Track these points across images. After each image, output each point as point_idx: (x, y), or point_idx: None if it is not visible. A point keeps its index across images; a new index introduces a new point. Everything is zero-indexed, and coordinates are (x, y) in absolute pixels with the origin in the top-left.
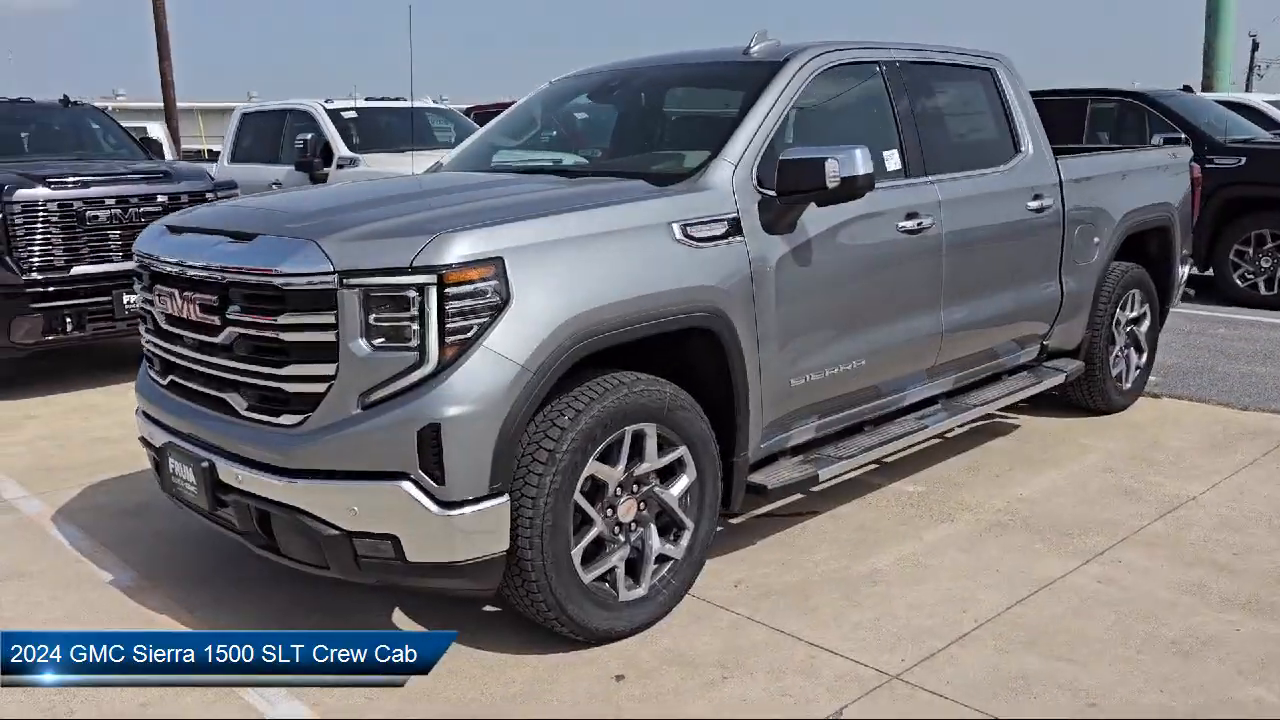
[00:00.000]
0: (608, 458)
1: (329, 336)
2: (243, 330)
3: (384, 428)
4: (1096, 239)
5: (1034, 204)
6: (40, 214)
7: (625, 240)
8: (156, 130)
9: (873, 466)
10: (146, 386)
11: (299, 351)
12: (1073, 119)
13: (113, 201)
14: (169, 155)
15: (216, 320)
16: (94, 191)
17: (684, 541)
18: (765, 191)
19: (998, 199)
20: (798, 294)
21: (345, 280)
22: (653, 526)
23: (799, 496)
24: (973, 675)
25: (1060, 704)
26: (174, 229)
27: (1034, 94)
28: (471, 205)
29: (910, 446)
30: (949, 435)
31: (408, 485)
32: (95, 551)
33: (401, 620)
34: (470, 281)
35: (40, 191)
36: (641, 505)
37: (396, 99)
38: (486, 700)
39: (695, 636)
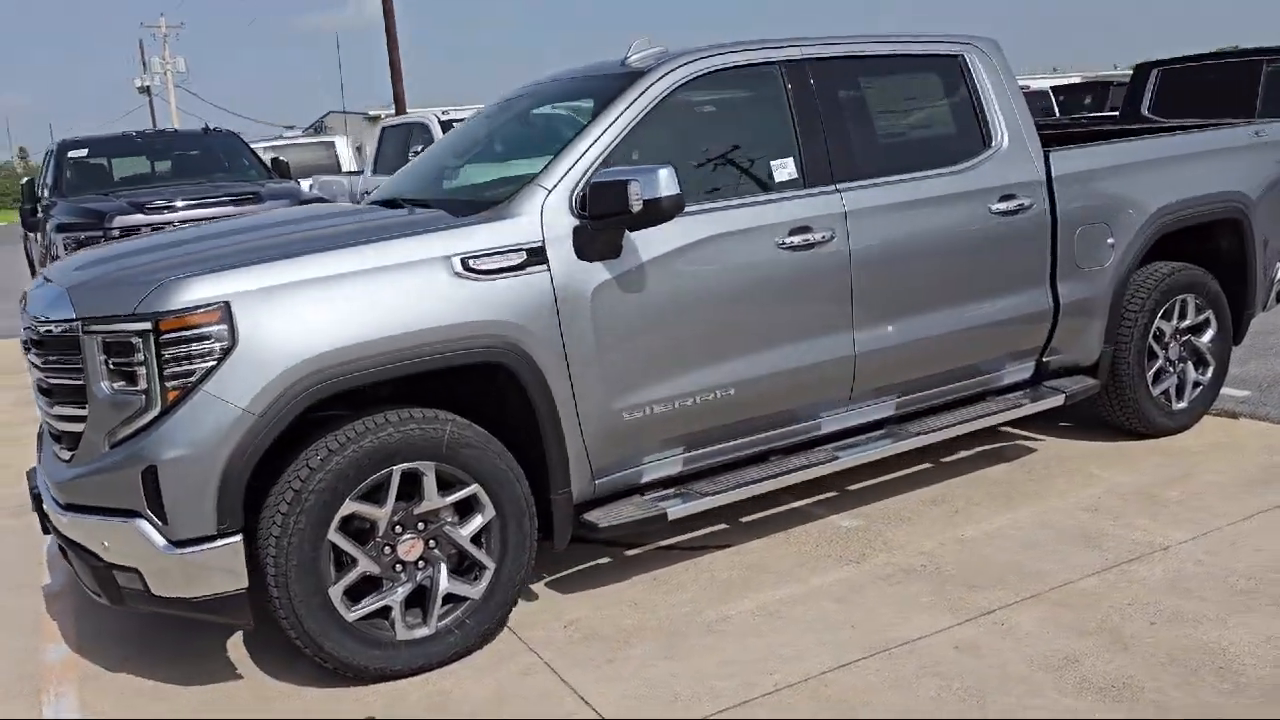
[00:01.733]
0: (376, 497)
1: (80, 380)
2: (38, 371)
3: (118, 468)
4: (1110, 240)
5: (1003, 206)
6: (136, 237)
7: (385, 278)
8: (342, 146)
9: (828, 495)
10: None
11: (61, 392)
12: (1241, 87)
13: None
14: (354, 166)
15: (28, 361)
16: (183, 215)
17: (483, 582)
18: (583, 217)
19: (943, 204)
20: (626, 323)
21: (86, 327)
22: (443, 566)
23: (722, 527)
24: None
25: None
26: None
27: (1185, 60)
28: (232, 248)
29: (886, 476)
30: (944, 460)
31: (141, 523)
32: (59, 556)
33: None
34: (190, 327)
35: (136, 217)
36: (431, 544)
37: None
38: None
39: (477, 680)
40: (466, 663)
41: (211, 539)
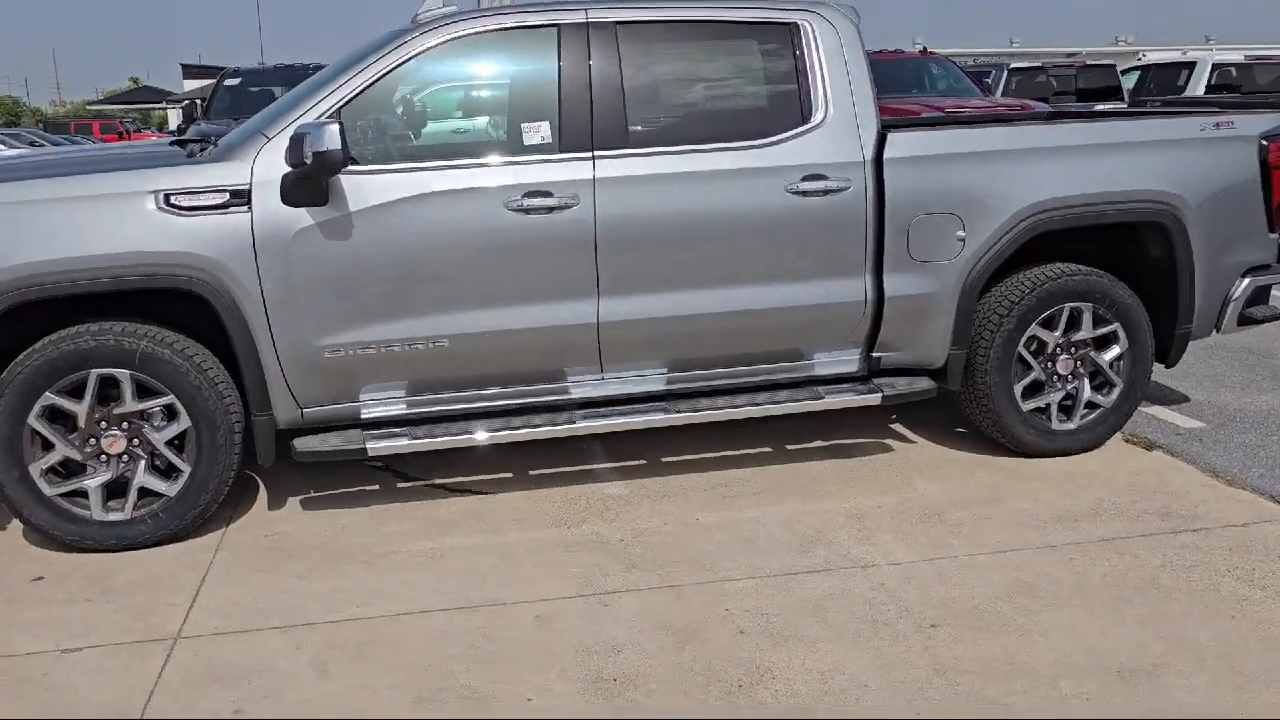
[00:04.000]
0: (79, 393)
1: None
2: None
3: None
4: (960, 233)
5: (807, 186)
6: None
7: (89, 205)
8: None
9: (633, 463)
10: None
11: None
12: None
13: None
14: None
15: None
16: None
17: (179, 483)
18: (296, 165)
19: (723, 179)
20: (325, 266)
21: None
22: (141, 463)
23: (506, 475)
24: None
25: None
26: None
27: None
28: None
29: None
30: (789, 447)
31: None
32: None
33: None
34: None
35: None
36: (134, 442)
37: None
38: None
39: (143, 565)
40: (161, 550)
41: None
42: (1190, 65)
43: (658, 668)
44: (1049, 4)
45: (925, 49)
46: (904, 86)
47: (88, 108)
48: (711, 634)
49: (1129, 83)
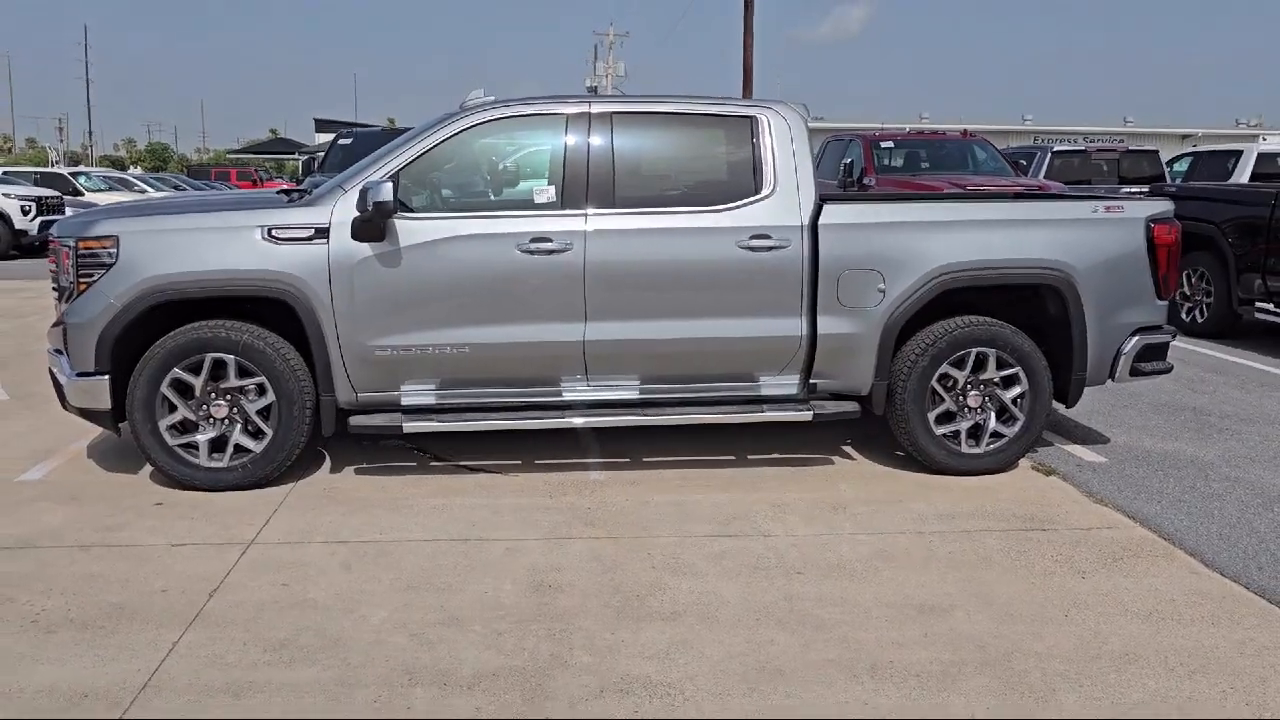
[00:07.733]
0: (197, 370)
1: (56, 272)
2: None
3: (57, 325)
4: (881, 286)
5: (755, 243)
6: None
7: (216, 234)
8: None
9: (618, 460)
10: None
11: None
12: None
13: None
14: None
15: None
16: None
17: (264, 443)
18: (362, 211)
19: (688, 235)
20: (379, 286)
21: (62, 242)
22: (237, 426)
23: (516, 461)
24: None
25: None
26: None
27: None
28: (153, 205)
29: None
30: (750, 456)
31: (62, 358)
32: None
33: None
34: (93, 249)
35: None
36: (235, 409)
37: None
38: (88, 501)
39: (236, 500)
40: (247, 492)
41: (91, 375)
42: (1238, 154)
43: (583, 581)
44: (1169, 83)
45: (966, 131)
46: (943, 164)
47: (227, 156)
48: (631, 567)
49: (1182, 168)
